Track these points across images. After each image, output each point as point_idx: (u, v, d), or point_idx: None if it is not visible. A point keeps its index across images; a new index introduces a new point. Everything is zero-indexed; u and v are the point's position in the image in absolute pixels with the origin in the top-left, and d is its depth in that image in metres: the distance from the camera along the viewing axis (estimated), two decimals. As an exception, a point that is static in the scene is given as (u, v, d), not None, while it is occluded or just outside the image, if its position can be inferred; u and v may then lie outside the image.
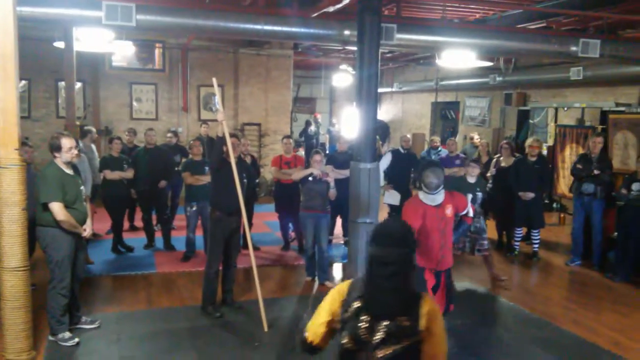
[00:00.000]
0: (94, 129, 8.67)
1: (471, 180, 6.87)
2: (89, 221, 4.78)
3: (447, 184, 7.65)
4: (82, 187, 4.75)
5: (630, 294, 6.66)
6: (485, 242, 6.80)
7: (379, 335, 2.20)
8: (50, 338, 4.75)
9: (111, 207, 7.52)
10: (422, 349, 2.22)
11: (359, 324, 2.24)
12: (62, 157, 4.60)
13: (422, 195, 4.49)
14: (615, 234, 7.44)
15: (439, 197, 4.47)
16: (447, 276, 4.61)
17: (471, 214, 4.78)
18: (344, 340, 2.33)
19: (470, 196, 4.60)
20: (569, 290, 7.06)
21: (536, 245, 8.09)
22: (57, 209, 4.45)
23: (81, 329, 5.02)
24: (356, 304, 2.27)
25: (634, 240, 6.97)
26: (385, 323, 2.20)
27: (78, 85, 10.58)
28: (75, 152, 4.74)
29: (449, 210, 4.52)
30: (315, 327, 2.46)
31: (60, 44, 8.59)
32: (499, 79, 12.04)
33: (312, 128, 16.58)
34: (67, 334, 4.74)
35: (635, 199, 6.88)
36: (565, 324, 5.63)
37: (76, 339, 4.75)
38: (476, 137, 11.07)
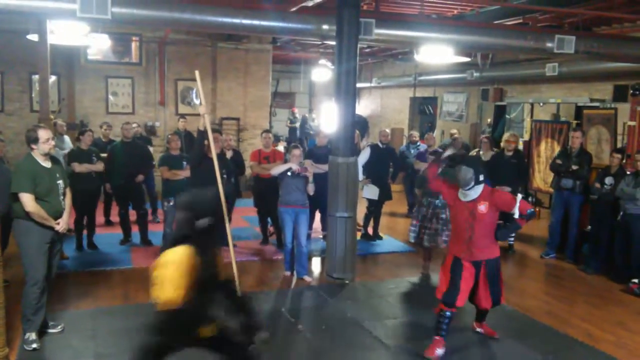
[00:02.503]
0: (60, 121, 8.58)
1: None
2: (65, 215, 4.67)
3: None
4: (59, 181, 4.65)
5: (603, 286, 6.80)
6: (447, 235, 6.79)
7: None
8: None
9: (79, 201, 7.04)
10: None
11: None
12: (40, 149, 4.52)
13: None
14: (589, 227, 7.58)
15: (473, 192, 4.57)
16: (488, 267, 4.71)
17: (517, 214, 4.58)
18: None
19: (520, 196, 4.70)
20: (543, 282, 7.18)
21: (512, 239, 8.21)
22: (26, 199, 4.38)
23: (47, 333, 4.84)
24: None
25: (606, 234, 7.11)
26: None
27: (52, 78, 10.39)
28: (53, 143, 4.66)
29: (482, 207, 4.55)
30: None
31: (34, 37, 8.41)
32: (476, 74, 12.16)
33: (297, 124, 16.85)
34: (32, 336, 4.57)
35: (607, 193, 7.02)
36: (539, 316, 5.73)
37: (35, 345, 4.53)
38: (456, 133, 11.18)
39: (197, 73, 5.44)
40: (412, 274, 7.00)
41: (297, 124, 17.66)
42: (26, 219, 4.44)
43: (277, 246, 7.80)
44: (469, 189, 4.57)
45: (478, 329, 5.18)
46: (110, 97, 12.02)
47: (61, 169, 4.85)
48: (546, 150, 9.65)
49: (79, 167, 7.16)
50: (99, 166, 7.34)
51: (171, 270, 2.87)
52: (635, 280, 6.48)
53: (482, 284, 4.74)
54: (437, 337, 4.66)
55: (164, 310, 2.95)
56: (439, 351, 4.61)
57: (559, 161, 7.74)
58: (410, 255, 7.87)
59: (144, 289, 6.11)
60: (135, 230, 7.91)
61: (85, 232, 7.51)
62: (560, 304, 6.15)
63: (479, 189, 4.58)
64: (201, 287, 2.95)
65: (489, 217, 4.60)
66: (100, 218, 7.54)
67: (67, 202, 4.76)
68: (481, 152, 8.51)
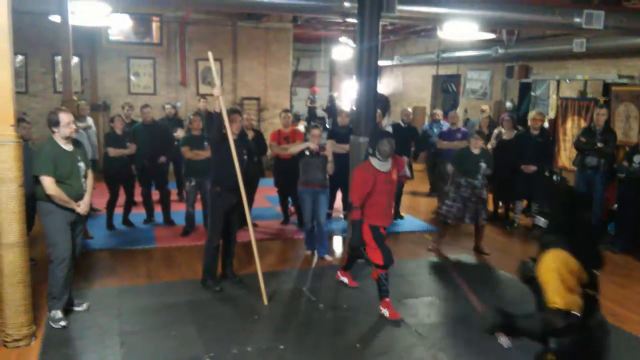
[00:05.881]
0: (82, 102, 8.68)
1: (475, 151, 6.84)
2: (86, 198, 4.71)
3: (450, 155, 7.74)
4: (80, 164, 4.69)
5: (629, 265, 6.69)
6: (484, 212, 6.85)
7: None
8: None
9: (114, 182, 7.53)
10: None
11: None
12: (61, 132, 4.56)
13: (374, 161, 4.97)
14: (615, 206, 7.43)
15: (388, 163, 4.99)
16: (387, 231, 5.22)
17: (408, 174, 5.44)
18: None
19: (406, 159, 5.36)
20: (568, 263, 7.07)
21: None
22: (47, 183, 4.43)
23: (73, 311, 4.94)
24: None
25: (634, 212, 6.97)
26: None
27: (75, 59, 10.47)
28: (74, 126, 4.70)
29: (395, 174, 5.09)
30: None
31: (56, 18, 8.46)
32: (501, 51, 11.88)
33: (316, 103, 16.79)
34: (59, 314, 4.67)
35: (636, 171, 6.85)
36: (563, 297, 5.65)
37: (63, 323, 4.64)
38: (488, 110, 10.99)
39: (210, 54, 5.41)
40: (432, 253, 6.96)
41: (317, 104, 17.58)
42: (47, 201, 4.50)
43: (298, 226, 7.81)
44: (388, 160, 4.98)
45: (343, 278, 5.79)
46: (132, 78, 12.09)
47: (83, 151, 4.89)
48: (572, 129, 9.44)
49: (113, 152, 7.40)
50: (132, 149, 7.55)
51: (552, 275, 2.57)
52: (663, 261, 6.36)
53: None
54: (387, 299, 5.03)
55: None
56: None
57: (583, 139, 7.56)
58: (432, 235, 7.82)
59: (167, 268, 6.22)
60: (158, 210, 8.00)
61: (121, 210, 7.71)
62: (585, 285, 6.06)
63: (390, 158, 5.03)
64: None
65: (396, 183, 5.18)
66: (122, 198, 7.64)
67: (89, 184, 4.80)
68: (503, 131, 8.36)
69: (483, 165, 6.73)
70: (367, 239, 5.01)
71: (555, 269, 2.54)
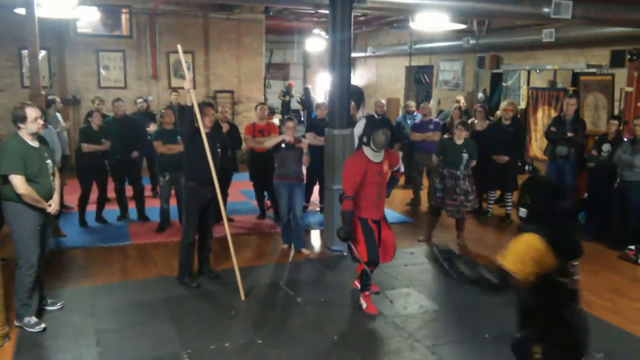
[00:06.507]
0: (58, 99, 8.43)
1: (459, 142, 6.90)
2: (55, 196, 4.56)
3: (433, 146, 7.78)
4: (48, 161, 4.54)
5: (599, 253, 6.83)
6: (472, 203, 6.93)
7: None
8: (16, 324, 4.54)
9: (86, 178, 7.39)
10: None
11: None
12: (27, 128, 4.35)
13: (368, 151, 4.85)
14: (586, 195, 7.59)
15: (381, 155, 4.88)
16: (383, 224, 5.07)
17: (402, 170, 5.32)
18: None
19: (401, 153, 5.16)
20: (540, 250, 7.20)
21: (509, 208, 8.22)
22: (17, 182, 4.23)
23: (46, 310, 4.84)
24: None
25: (603, 201, 7.12)
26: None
27: (42, 53, 10.20)
28: (42, 122, 4.54)
29: (386, 166, 4.97)
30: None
31: (21, 11, 8.23)
32: (472, 41, 11.99)
33: (288, 97, 16.67)
34: (33, 319, 4.54)
35: (605, 160, 7.00)
36: (536, 284, 5.77)
37: (42, 325, 4.54)
38: (462, 101, 11.08)
39: (179, 47, 5.33)
40: (410, 244, 7.02)
41: (294, 98, 17.48)
42: (17, 201, 4.31)
43: (275, 220, 7.79)
44: (381, 151, 4.87)
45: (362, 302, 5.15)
46: (102, 71, 11.86)
47: (49, 148, 4.70)
48: (543, 118, 9.60)
49: (87, 148, 7.26)
50: (106, 146, 7.41)
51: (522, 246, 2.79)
52: (632, 247, 6.52)
53: (382, 241, 5.03)
54: (366, 292, 5.05)
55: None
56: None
57: (553, 129, 7.69)
58: (407, 226, 7.89)
59: (142, 265, 6.15)
60: (131, 206, 7.89)
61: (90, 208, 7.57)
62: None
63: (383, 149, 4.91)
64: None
65: (387, 175, 5.07)
66: (94, 195, 7.51)
67: (57, 182, 4.66)
68: (475, 121, 8.45)
69: (465, 156, 6.79)
70: (354, 232, 4.88)
71: (521, 245, 2.76)
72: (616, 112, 8.50)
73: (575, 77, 9.98)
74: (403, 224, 7.97)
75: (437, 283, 5.85)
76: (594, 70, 9.71)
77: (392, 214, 8.53)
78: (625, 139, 6.98)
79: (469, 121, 8.69)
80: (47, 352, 4.26)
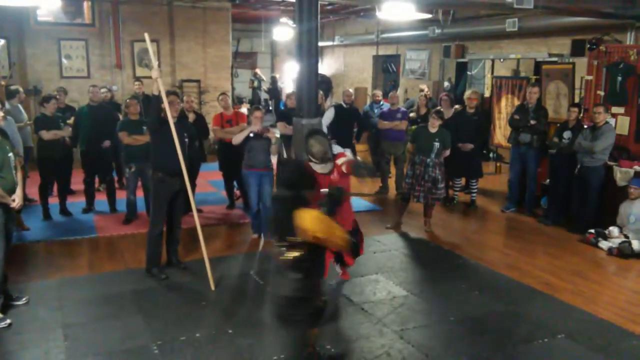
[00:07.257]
0: (21, 89, 8.20)
1: (432, 130, 6.98)
2: (18, 191, 4.47)
3: (400, 134, 7.82)
4: (10, 154, 4.43)
5: (561, 237, 7.05)
6: (440, 192, 7.01)
7: None
8: None
9: (46, 168, 7.14)
10: None
11: None
12: None
13: (312, 164, 4.51)
14: (547, 180, 7.80)
15: (328, 166, 4.57)
16: (353, 233, 4.84)
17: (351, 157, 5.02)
18: None
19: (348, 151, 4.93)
20: (504, 235, 7.39)
21: (474, 195, 8.40)
22: None
23: (11, 305, 4.74)
24: None
25: (564, 186, 7.33)
26: None
27: (1, 42, 9.93)
28: (1, 114, 4.43)
29: (337, 175, 4.64)
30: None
31: (-23, -2, 7.96)
32: (438, 31, 12.11)
33: (256, 84, 16.54)
34: None
35: (565, 147, 7.20)
36: (500, 268, 5.93)
37: (8, 321, 4.46)
38: (426, 89, 11.19)
39: (146, 35, 5.26)
40: (379, 232, 7.11)
41: (263, 85, 17.38)
42: None
43: (244, 210, 7.78)
44: (329, 161, 4.56)
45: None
46: (64, 61, 11.57)
47: (9, 141, 4.60)
48: (507, 107, 9.79)
49: (47, 135, 6.99)
50: (67, 131, 7.18)
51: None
52: (592, 231, 6.73)
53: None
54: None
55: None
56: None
57: (516, 116, 7.86)
58: (376, 214, 7.97)
59: (110, 258, 6.07)
60: (100, 198, 7.76)
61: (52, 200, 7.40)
62: (520, 256, 6.36)
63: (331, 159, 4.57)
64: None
65: (346, 181, 4.72)
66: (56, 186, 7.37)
67: (20, 176, 4.55)
68: (442, 110, 8.56)
69: (437, 144, 6.88)
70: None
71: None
72: (577, 100, 8.73)
73: (538, 65, 10.20)
74: (371, 212, 8.05)
75: (405, 270, 5.96)
76: (555, 59, 9.94)
77: (359, 202, 8.61)
78: (585, 126, 7.18)
79: (435, 109, 8.80)
80: (13, 348, 4.19)
